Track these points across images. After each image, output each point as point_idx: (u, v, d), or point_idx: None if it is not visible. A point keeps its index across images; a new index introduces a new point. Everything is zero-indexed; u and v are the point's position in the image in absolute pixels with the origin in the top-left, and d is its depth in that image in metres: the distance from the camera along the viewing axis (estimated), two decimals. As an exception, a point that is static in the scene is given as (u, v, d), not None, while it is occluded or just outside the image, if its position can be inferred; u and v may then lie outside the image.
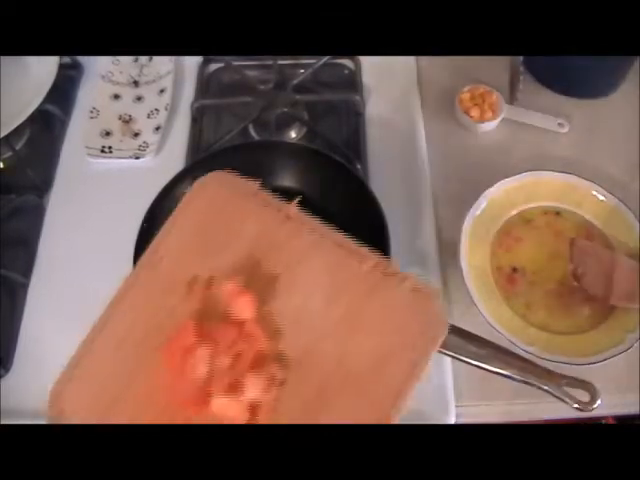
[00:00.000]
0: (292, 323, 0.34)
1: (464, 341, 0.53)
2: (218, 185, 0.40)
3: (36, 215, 0.74)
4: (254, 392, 0.31)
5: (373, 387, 0.33)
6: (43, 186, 0.76)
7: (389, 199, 0.65)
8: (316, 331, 0.34)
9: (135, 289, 0.37)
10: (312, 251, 0.36)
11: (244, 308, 0.34)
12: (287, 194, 0.69)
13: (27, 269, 0.70)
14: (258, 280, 0.35)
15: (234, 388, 0.31)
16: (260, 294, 0.34)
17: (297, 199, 0.38)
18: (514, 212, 0.70)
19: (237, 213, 0.38)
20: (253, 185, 0.39)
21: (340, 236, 0.36)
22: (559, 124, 0.79)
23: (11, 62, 0.80)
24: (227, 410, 0.31)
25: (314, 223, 0.37)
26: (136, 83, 0.85)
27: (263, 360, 0.32)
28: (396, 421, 0.33)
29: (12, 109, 0.76)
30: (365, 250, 0.36)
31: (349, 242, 0.36)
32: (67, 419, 0.34)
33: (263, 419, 0.31)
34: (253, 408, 0.31)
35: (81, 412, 0.34)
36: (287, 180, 0.70)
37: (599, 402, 0.48)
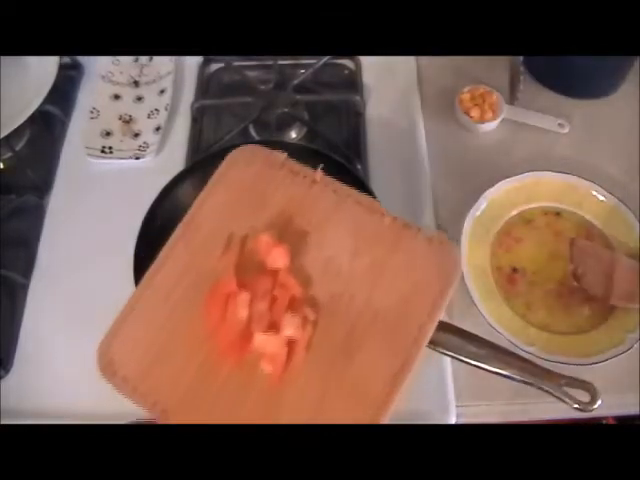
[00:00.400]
0: (322, 273, 0.38)
1: (464, 341, 0.52)
2: (249, 157, 0.44)
3: (36, 215, 0.74)
4: (290, 330, 0.35)
5: (399, 323, 0.37)
6: (43, 186, 0.76)
7: (389, 199, 0.64)
8: (344, 278, 0.38)
9: (177, 250, 0.41)
10: (337, 210, 0.41)
11: (278, 258, 0.38)
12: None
13: (27, 269, 0.70)
14: (290, 236, 0.39)
15: (273, 327, 0.35)
16: (292, 248, 0.38)
17: (321, 166, 0.42)
18: (514, 212, 0.70)
19: (268, 181, 0.42)
20: (281, 155, 0.43)
21: (361, 195, 0.41)
22: (559, 124, 0.78)
23: (11, 62, 0.80)
24: (268, 345, 0.35)
25: (337, 185, 0.42)
26: (136, 83, 0.85)
27: (296, 304, 0.37)
28: (420, 355, 0.36)
29: (12, 109, 0.76)
30: (384, 208, 0.41)
31: (369, 200, 0.41)
32: (116, 369, 0.38)
33: (299, 354, 0.35)
34: (290, 344, 0.35)
35: (130, 362, 0.38)
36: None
37: (599, 402, 0.47)
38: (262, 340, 0.35)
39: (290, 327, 0.35)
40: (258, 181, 0.42)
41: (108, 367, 0.39)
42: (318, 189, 0.42)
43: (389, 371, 0.35)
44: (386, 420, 0.35)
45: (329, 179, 0.42)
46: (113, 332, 0.40)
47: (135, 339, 0.39)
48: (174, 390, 0.37)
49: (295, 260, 0.38)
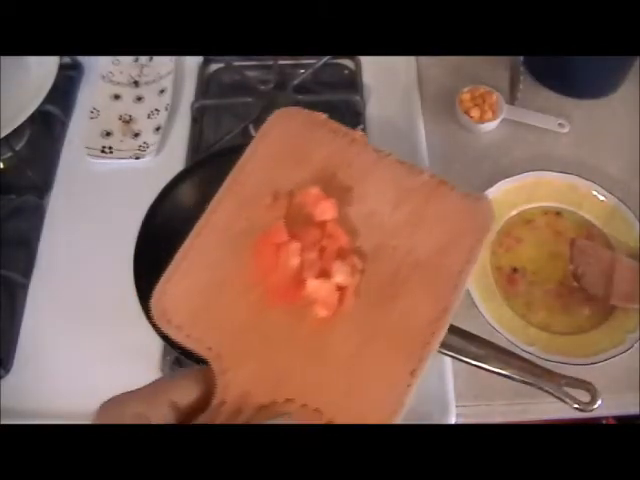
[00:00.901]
0: (365, 224, 0.40)
1: (464, 341, 0.52)
2: (290, 117, 0.45)
3: (36, 215, 0.74)
4: (341, 276, 0.37)
5: (439, 270, 0.39)
6: (43, 186, 0.76)
7: (389, 199, 0.65)
8: (386, 230, 0.40)
9: (225, 202, 0.42)
10: (377, 166, 0.43)
11: (327, 210, 0.39)
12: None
13: (27, 269, 0.70)
14: (333, 190, 0.41)
15: (324, 274, 0.37)
16: (337, 201, 0.40)
17: (361, 126, 0.46)
18: (514, 212, 0.70)
19: (310, 138, 0.44)
20: (321, 115, 0.45)
21: (398, 156, 0.43)
22: (559, 124, 0.78)
23: (11, 62, 0.80)
24: (320, 290, 0.37)
25: (375, 146, 0.44)
26: (136, 83, 0.85)
27: (345, 253, 0.38)
28: (458, 297, 0.38)
29: (12, 109, 0.76)
30: (420, 166, 0.43)
31: (406, 161, 0.44)
32: (170, 317, 0.38)
33: (348, 300, 0.37)
34: (340, 289, 0.37)
35: (182, 309, 0.39)
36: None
37: (599, 402, 0.47)
38: (315, 286, 0.37)
39: (340, 274, 0.37)
40: (300, 138, 0.44)
41: (162, 316, 0.39)
42: (358, 147, 0.44)
43: (431, 315, 0.38)
44: (426, 362, 0.37)
45: (367, 140, 0.44)
46: (165, 282, 0.40)
47: (187, 286, 0.40)
48: (226, 333, 0.38)
49: (340, 212, 0.40)
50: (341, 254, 0.38)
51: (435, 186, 0.42)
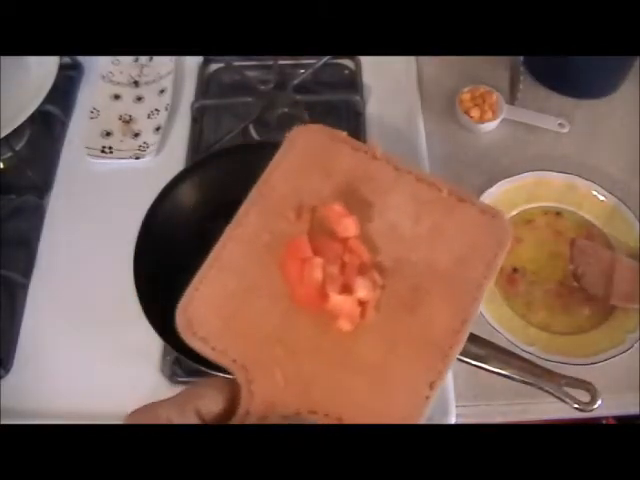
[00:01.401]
0: (386, 240, 0.42)
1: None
2: (312, 133, 0.47)
3: (36, 215, 0.74)
4: (362, 292, 0.38)
5: (458, 282, 0.40)
6: (43, 186, 0.76)
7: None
8: (406, 244, 0.42)
9: (251, 215, 0.43)
10: (398, 182, 0.44)
11: (349, 227, 0.41)
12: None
13: (27, 269, 0.70)
14: (355, 205, 0.42)
15: (346, 289, 0.38)
16: (358, 216, 0.41)
17: (378, 144, 0.46)
18: (514, 212, 0.70)
19: (332, 154, 0.45)
20: (342, 133, 0.47)
21: (421, 172, 0.45)
22: (559, 124, 0.78)
23: (11, 62, 0.80)
24: (343, 305, 0.38)
25: (397, 161, 0.45)
26: (136, 83, 0.85)
27: (366, 269, 0.40)
28: (476, 310, 0.39)
29: (12, 109, 0.76)
30: (441, 180, 0.44)
31: (427, 175, 0.45)
32: (195, 330, 0.39)
33: (370, 313, 0.39)
34: (362, 304, 0.38)
35: (207, 322, 0.39)
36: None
37: (599, 402, 0.47)
38: (338, 300, 0.38)
39: (362, 289, 0.38)
40: (323, 153, 0.46)
41: (187, 329, 0.39)
42: (379, 164, 0.45)
43: (450, 326, 0.39)
44: (445, 375, 0.38)
45: (389, 155, 0.46)
46: (190, 293, 0.41)
47: (213, 298, 0.40)
48: (251, 345, 0.39)
49: (362, 228, 0.41)
50: (362, 270, 0.39)
51: (455, 202, 0.43)
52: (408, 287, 0.40)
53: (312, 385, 0.37)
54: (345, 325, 0.38)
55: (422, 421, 0.36)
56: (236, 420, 0.35)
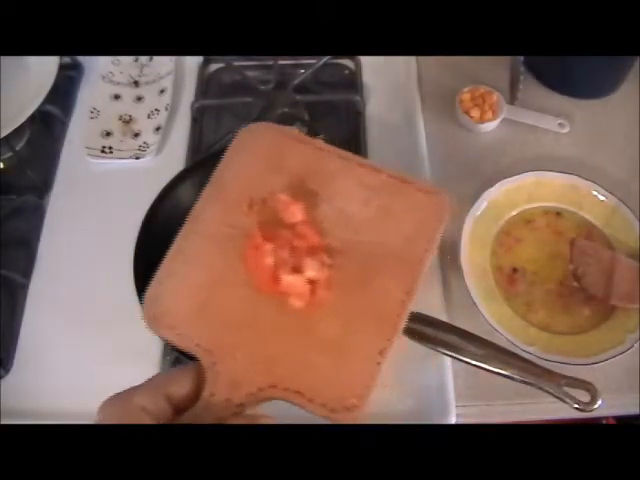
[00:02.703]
0: (334, 224, 0.45)
1: (464, 341, 0.52)
2: (262, 131, 0.50)
3: (36, 215, 0.74)
4: (311, 271, 0.41)
5: (405, 258, 0.43)
6: (43, 186, 0.76)
7: (389, 199, 0.65)
8: (354, 226, 0.45)
9: (208, 210, 0.46)
10: (343, 170, 0.47)
11: (295, 213, 0.44)
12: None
13: (27, 269, 0.70)
14: (304, 195, 0.45)
15: (296, 270, 0.41)
16: (307, 204, 0.44)
17: (321, 135, 0.51)
18: (514, 212, 0.70)
19: (281, 150, 0.49)
20: (293, 130, 0.52)
21: (361, 157, 0.49)
22: (559, 124, 0.78)
23: (11, 62, 0.80)
24: (294, 285, 0.41)
25: (341, 151, 0.48)
26: (136, 83, 0.85)
27: (314, 250, 0.43)
28: (420, 281, 0.42)
29: (12, 109, 0.76)
30: (380, 165, 0.48)
31: (368, 161, 0.49)
32: (161, 319, 0.42)
33: (321, 292, 0.41)
34: (312, 283, 0.41)
35: (173, 311, 0.42)
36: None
37: (599, 402, 0.47)
38: (289, 280, 0.41)
39: (311, 269, 0.41)
40: (273, 150, 0.49)
41: (154, 320, 0.42)
42: (324, 154, 0.48)
43: (397, 298, 0.42)
44: (394, 342, 0.40)
45: (331, 147, 0.49)
46: (155, 287, 0.43)
47: (178, 290, 0.43)
48: (215, 329, 0.41)
49: (310, 214, 0.44)
50: (311, 252, 0.42)
51: (399, 183, 0.47)
52: (358, 265, 0.43)
53: (275, 363, 0.39)
54: (296, 302, 0.41)
55: (374, 388, 0.38)
56: (202, 401, 0.37)
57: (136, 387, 0.36)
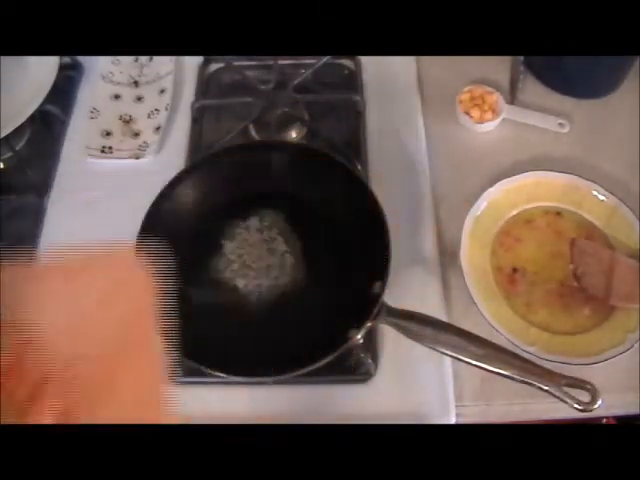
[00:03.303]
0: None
1: (464, 341, 0.53)
2: None
3: (36, 215, 0.74)
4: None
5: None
6: (43, 186, 0.76)
7: (389, 199, 0.65)
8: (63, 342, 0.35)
9: None
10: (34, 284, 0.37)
11: None
12: (286, 194, 0.71)
13: (27, 269, 0.70)
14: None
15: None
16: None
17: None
18: (514, 212, 0.70)
19: None
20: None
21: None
22: (559, 124, 0.78)
23: (11, 62, 0.80)
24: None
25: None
26: (136, 83, 0.85)
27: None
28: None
29: (12, 109, 0.76)
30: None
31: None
32: None
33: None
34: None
35: None
36: (287, 180, 0.70)
37: (599, 402, 0.48)
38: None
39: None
40: None
41: None
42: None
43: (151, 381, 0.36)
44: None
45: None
46: None
47: None
48: None
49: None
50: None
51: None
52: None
53: None
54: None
55: None
56: None
57: None
